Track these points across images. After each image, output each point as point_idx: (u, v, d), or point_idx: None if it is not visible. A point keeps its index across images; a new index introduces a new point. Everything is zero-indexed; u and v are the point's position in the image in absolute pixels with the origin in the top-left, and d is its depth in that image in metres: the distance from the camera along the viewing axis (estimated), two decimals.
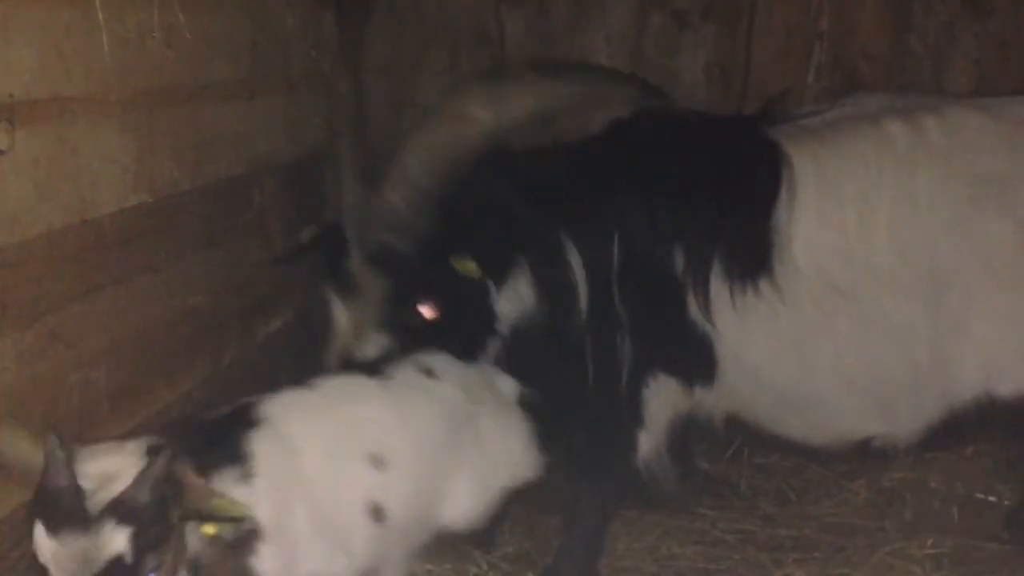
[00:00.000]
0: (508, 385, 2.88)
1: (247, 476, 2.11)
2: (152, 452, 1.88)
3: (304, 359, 3.50)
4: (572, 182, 2.95)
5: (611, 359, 2.90)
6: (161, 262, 2.77)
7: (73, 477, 1.76)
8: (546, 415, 2.92)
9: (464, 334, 2.90)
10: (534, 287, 2.93)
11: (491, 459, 2.68)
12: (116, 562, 1.75)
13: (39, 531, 1.77)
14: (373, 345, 2.84)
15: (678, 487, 3.15)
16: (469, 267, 2.82)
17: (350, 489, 2.35)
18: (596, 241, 2.89)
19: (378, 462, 2.39)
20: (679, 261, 2.84)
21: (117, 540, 1.75)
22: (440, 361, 2.72)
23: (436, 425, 2.58)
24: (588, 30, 4.27)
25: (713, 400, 2.96)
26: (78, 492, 1.76)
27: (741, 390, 2.92)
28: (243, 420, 2.23)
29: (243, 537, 2.05)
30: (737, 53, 4.13)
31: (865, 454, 3.04)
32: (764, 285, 2.77)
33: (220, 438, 2.15)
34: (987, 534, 3.37)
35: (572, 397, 2.95)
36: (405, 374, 2.64)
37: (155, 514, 1.80)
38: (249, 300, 3.35)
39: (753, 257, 2.78)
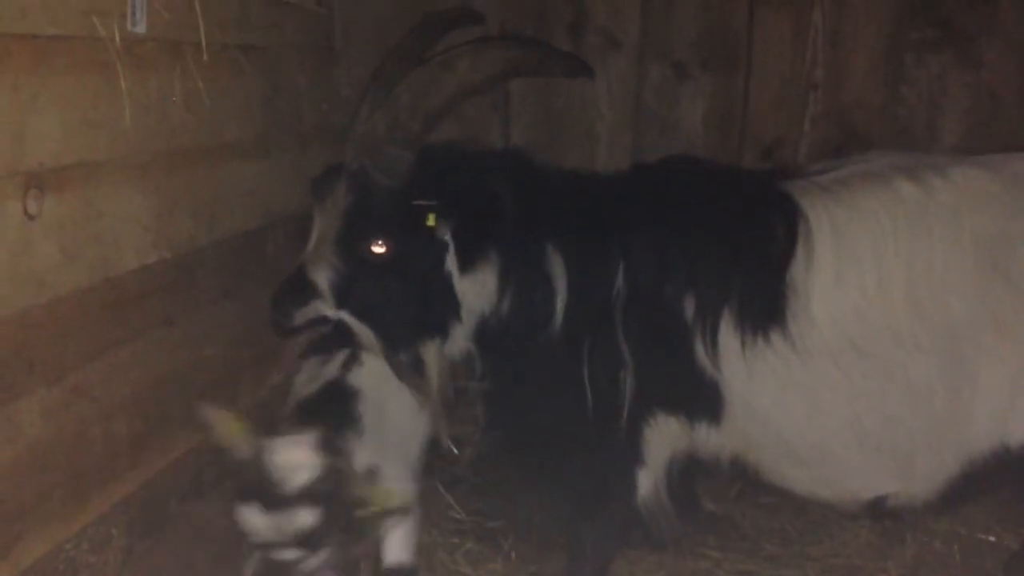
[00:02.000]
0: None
1: (360, 433, 2.76)
2: (322, 446, 2.46)
3: None
4: (577, 202, 3.03)
5: (611, 393, 2.92)
6: (179, 315, 2.86)
7: (274, 469, 2.38)
8: (534, 442, 3.05)
9: (419, 294, 2.94)
10: (500, 285, 2.95)
11: None
12: (309, 532, 2.36)
13: (247, 509, 2.38)
14: (326, 263, 2.93)
15: (677, 526, 3.17)
16: (429, 217, 2.86)
17: (419, 429, 3.08)
18: (593, 266, 2.93)
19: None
20: (689, 305, 2.87)
21: (309, 516, 2.36)
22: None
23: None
24: (590, 81, 4.37)
25: (721, 440, 2.98)
26: (276, 481, 2.36)
27: (752, 436, 2.94)
28: (342, 393, 2.92)
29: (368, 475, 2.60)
30: (735, 103, 4.23)
31: (878, 513, 3.04)
32: (776, 338, 2.81)
33: (333, 413, 2.77)
34: (987, 572, 3.42)
35: (554, 419, 2.99)
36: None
37: (334, 499, 2.40)
38: (262, 347, 3.43)
39: (767, 309, 2.82)
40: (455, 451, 4.27)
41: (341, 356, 3.12)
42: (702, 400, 2.92)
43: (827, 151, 4.07)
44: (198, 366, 3.00)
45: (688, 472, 3.23)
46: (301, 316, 3.00)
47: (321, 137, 3.79)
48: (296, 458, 2.42)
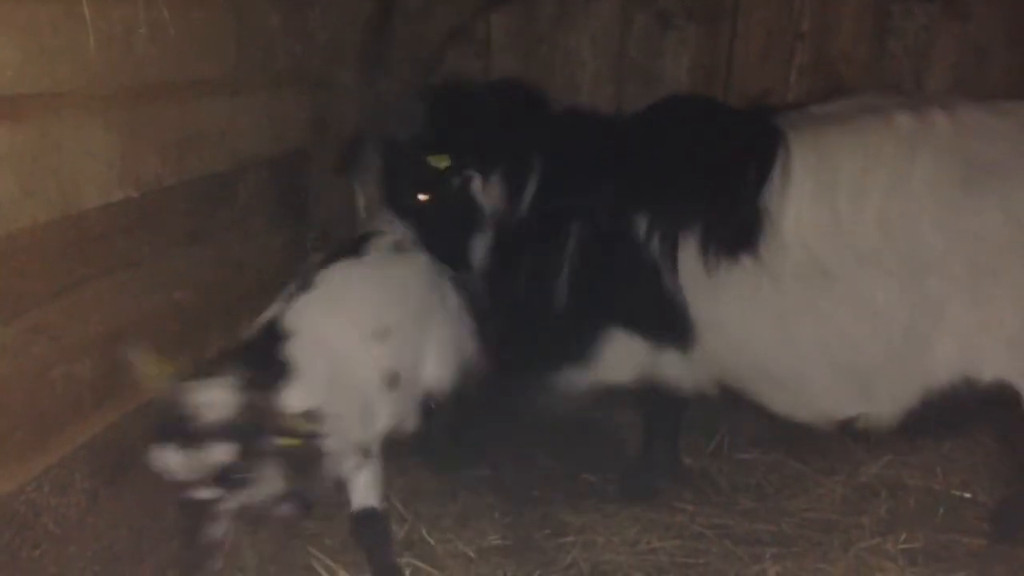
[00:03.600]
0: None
1: (294, 381, 2.60)
2: (240, 384, 2.45)
3: None
4: (568, 128, 3.35)
5: (548, 297, 3.19)
6: (145, 257, 2.78)
7: (187, 404, 2.37)
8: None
9: (453, 223, 3.39)
10: (503, 189, 3.31)
11: (450, 319, 3.30)
12: (225, 469, 2.38)
13: (160, 446, 2.38)
14: (382, 220, 3.42)
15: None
16: (441, 162, 3.27)
17: (371, 364, 2.90)
18: (562, 177, 3.23)
19: (383, 335, 2.95)
20: (643, 225, 3.02)
21: (224, 452, 2.36)
22: (399, 235, 3.33)
23: (417, 292, 3.21)
24: (573, 30, 4.30)
25: (699, 367, 3.07)
26: (191, 417, 2.36)
27: (727, 359, 3.01)
28: (275, 336, 2.74)
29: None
30: (720, 54, 4.18)
31: (850, 434, 3.17)
32: (747, 261, 2.85)
33: (263, 358, 2.64)
34: (963, 530, 3.43)
35: (514, 298, 3.33)
36: (379, 249, 3.20)
37: (252, 431, 2.40)
38: (233, 295, 3.36)
39: (736, 232, 2.86)
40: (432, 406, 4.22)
41: (292, 287, 3.02)
42: (667, 323, 3.01)
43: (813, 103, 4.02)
44: (166, 310, 2.92)
45: (673, 409, 3.49)
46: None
47: (295, 80, 3.69)
48: (211, 396, 2.41)
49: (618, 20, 4.26)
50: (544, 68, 4.36)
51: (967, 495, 3.67)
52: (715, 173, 2.97)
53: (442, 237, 3.39)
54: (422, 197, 3.34)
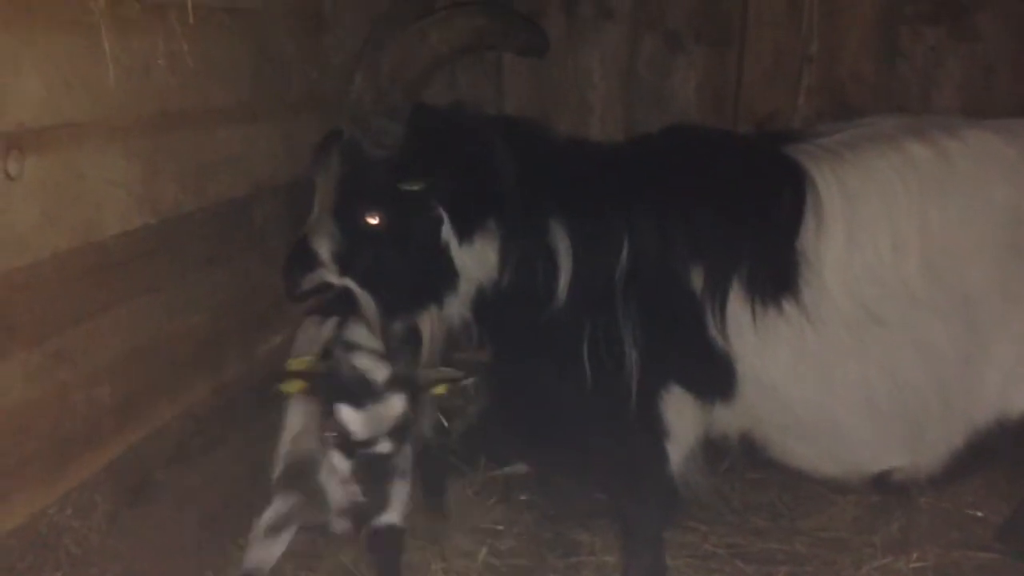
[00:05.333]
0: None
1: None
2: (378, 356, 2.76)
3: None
4: (580, 174, 2.96)
5: (617, 371, 2.85)
6: (164, 282, 2.84)
7: (358, 369, 2.65)
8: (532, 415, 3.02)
9: (415, 264, 2.93)
10: (501, 259, 2.90)
11: None
12: (402, 419, 2.66)
13: (346, 409, 2.61)
14: (326, 234, 2.98)
15: (710, 495, 3.28)
16: (414, 185, 2.83)
17: None
18: (598, 239, 2.85)
19: None
20: (696, 278, 2.81)
21: (399, 404, 2.66)
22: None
23: None
24: (583, 51, 4.35)
25: (731, 417, 2.93)
26: (361, 377, 2.64)
27: (760, 410, 2.88)
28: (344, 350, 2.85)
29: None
30: (728, 75, 4.21)
31: (884, 487, 3.00)
32: (789, 308, 2.74)
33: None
34: (974, 548, 3.43)
35: (557, 398, 2.94)
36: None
37: (412, 386, 2.72)
38: (249, 318, 3.41)
39: (777, 279, 2.76)
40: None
41: (334, 320, 3.12)
42: (715, 376, 2.85)
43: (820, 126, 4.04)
44: (183, 334, 2.97)
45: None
46: (308, 282, 3.06)
47: (310, 105, 3.74)
48: (369, 362, 2.69)
49: (627, 41, 4.30)
50: (554, 89, 4.41)
51: (979, 514, 3.67)
52: (752, 213, 2.85)
53: (395, 275, 2.97)
54: (372, 220, 2.90)
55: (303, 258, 3.03)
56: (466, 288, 2.97)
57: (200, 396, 3.08)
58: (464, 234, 2.91)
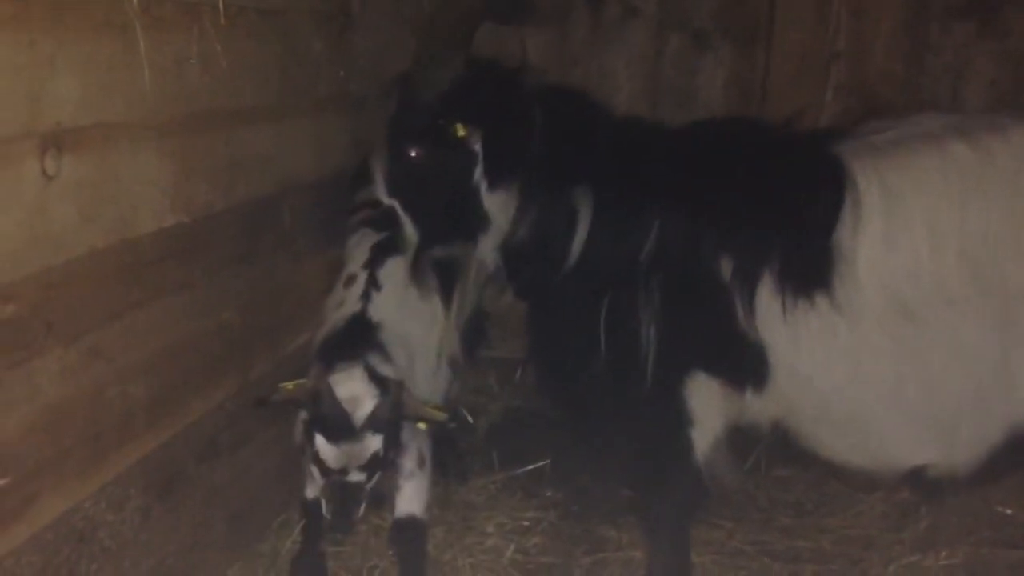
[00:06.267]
0: None
1: (388, 361, 2.95)
2: (374, 379, 2.75)
3: None
4: (619, 150, 3.00)
5: (630, 345, 2.89)
6: (196, 279, 2.87)
7: (340, 404, 2.63)
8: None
9: (451, 200, 3.07)
10: (519, 211, 2.99)
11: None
12: (375, 456, 2.67)
13: (321, 441, 2.66)
14: (380, 157, 3.20)
15: (738, 483, 3.25)
16: (459, 131, 2.97)
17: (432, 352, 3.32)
18: (626, 216, 2.90)
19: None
20: (725, 266, 2.82)
21: (375, 442, 2.67)
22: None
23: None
24: (607, 51, 4.34)
25: (763, 405, 2.93)
26: (345, 413, 2.64)
27: (793, 400, 2.89)
28: (367, 326, 3.09)
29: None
30: (755, 73, 4.19)
31: (917, 484, 2.99)
32: (821, 301, 2.75)
33: (359, 344, 2.95)
34: (1003, 546, 3.41)
35: (577, 362, 2.99)
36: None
37: (393, 423, 2.72)
38: (278, 315, 3.44)
39: (810, 272, 2.76)
40: (470, 420, 4.29)
41: (359, 287, 3.26)
42: (746, 364, 2.86)
43: (849, 122, 4.01)
44: (214, 331, 3.01)
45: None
46: (363, 194, 3.51)
47: (338, 104, 3.78)
48: (356, 391, 2.70)
49: (653, 40, 4.30)
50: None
51: (1008, 511, 3.65)
52: (789, 206, 2.85)
53: (430, 203, 3.13)
54: (413, 152, 3.09)
55: (362, 173, 3.40)
56: (495, 233, 3.09)
57: (230, 393, 3.12)
58: (492, 181, 3.02)
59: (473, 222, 3.08)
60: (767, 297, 2.80)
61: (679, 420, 2.93)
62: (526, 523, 3.62)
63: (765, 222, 2.84)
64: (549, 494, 3.82)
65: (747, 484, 3.90)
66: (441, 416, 2.85)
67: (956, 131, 2.81)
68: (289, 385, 2.78)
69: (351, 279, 3.32)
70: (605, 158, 2.99)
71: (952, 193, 2.73)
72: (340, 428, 2.65)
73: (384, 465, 2.75)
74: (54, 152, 2.21)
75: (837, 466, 3.08)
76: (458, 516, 3.62)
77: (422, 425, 2.88)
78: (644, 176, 2.94)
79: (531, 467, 3.94)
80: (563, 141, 2.97)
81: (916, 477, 2.91)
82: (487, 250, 3.13)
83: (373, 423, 2.67)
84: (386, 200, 3.22)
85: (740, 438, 3.10)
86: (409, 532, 3.01)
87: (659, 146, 3.07)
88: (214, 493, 3.05)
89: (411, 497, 3.02)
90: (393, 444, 2.76)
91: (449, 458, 3.83)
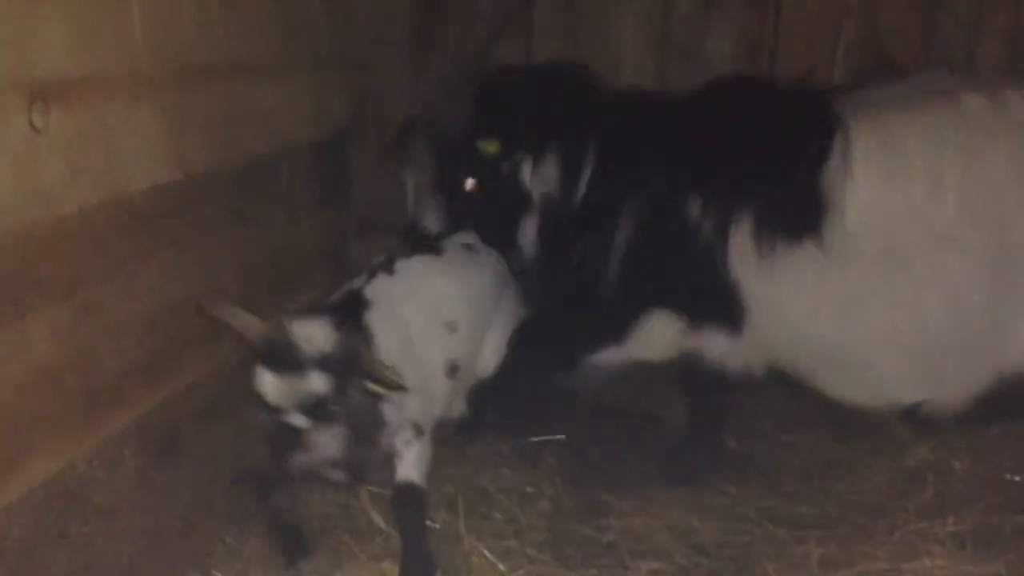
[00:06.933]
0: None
1: (368, 340, 2.78)
2: (337, 326, 2.58)
3: None
4: (614, 109, 3.35)
5: (601, 278, 3.18)
6: (191, 238, 2.83)
7: (290, 335, 2.50)
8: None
9: (501, 208, 3.45)
10: (559, 171, 3.30)
11: (507, 315, 3.53)
12: (319, 398, 2.48)
13: (263, 371, 2.50)
14: (430, 209, 3.54)
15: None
16: (491, 147, 3.32)
17: (437, 351, 3.14)
18: (617, 162, 3.19)
19: (451, 328, 3.21)
20: (694, 206, 2.98)
21: (320, 383, 2.49)
22: (469, 238, 3.54)
23: (485, 291, 3.43)
24: (615, 10, 4.26)
25: (749, 349, 3.03)
26: (293, 346, 2.48)
27: (780, 343, 2.96)
28: (357, 303, 2.97)
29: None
30: (765, 32, 4.10)
31: (913, 420, 3.10)
32: (808, 244, 2.80)
33: (346, 317, 2.74)
34: (1012, 513, 3.36)
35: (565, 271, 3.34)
36: (455, 249, 3.44)
37: (346, 370, 2.52)
38: (276, 275, 3.40)
39: (793, 216, 2.81)
40: None
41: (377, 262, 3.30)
42: (712, 303, 2.99)
43: (860, 81, 3.93)
44: (211, 290, 2.96)
45: (717, 390, 3.38)
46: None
47: (337, 63, 3.72)
48: (312, 330, 2.56)
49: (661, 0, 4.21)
50: (586, 48, 4.32)
51: (1016, 478, 3.59)
52: (770, 154, 2.93)
53: (491, 223, 3.49)
54: (470, 184, 3.41)
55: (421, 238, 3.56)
56: (535, 205, 3.41)
57: (229, 354, 3.08)
58: (536, 161, 3.37)
59: (521, 212, 3.44)
60: (741, 239, 2.88)
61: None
62: (530, 491, 3.59)
63: (747, 165, 2.95)
64: (553, 463, 3.78)
65: (752, 449, 3.86)
66: (396, 383, 2.58)
67: (971, 85, 2.78)
68: (242, 313, 2.65)
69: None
70: (609, 117, 3.31)
71: (959, 139, 2.70)
72: (284, 360, 2.50)
73: (330, 417, 2.56)
74: (41, 105, 2.16)
75: (846, 405, 3.14)
76: (463, 484, 3.58)
77: (375, 388, 2.62)
78: (641, 131, 3.20)
79: (544, 439, 3.88)
80: (578, 120, 3.32)
81: (911, 414, 3.01)
82: (529, 230, 3.43)
83: (322, 362, 2.50)
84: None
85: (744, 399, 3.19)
86: (408, 498, 2.99)
87: (662, 106, 3.31)
88: (212, 455, 3.02)
89: (410, 464, 2.99)
90: (342, 395, 2.55)
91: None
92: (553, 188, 3.35)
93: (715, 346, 3.10)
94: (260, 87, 3.17)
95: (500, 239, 3.53)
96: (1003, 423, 3.65)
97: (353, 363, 2.56)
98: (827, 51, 4.05)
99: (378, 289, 3.10)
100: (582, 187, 3.26)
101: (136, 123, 2.52)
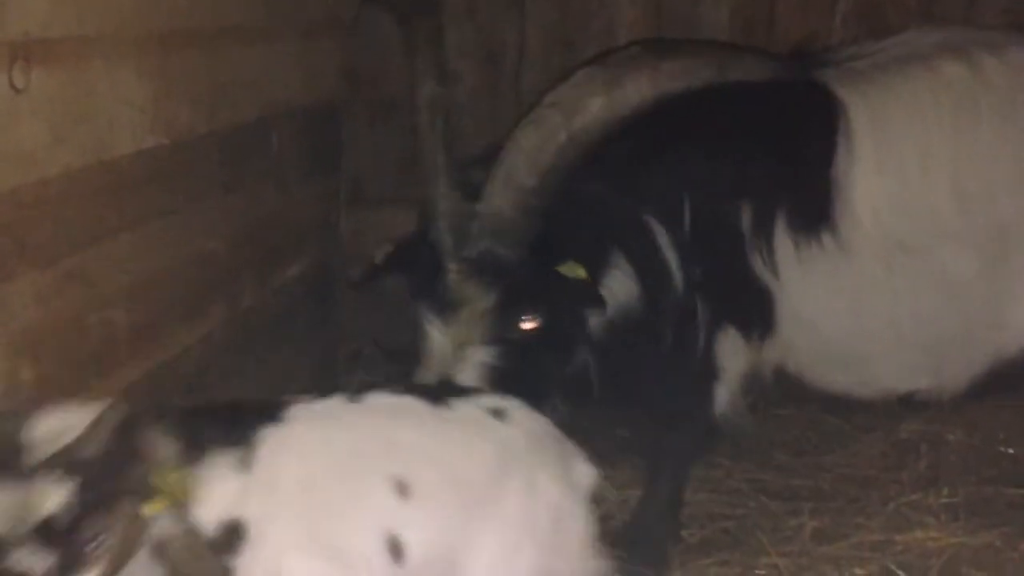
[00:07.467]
0: (585, 472, 2.33)
1: (244, 464, 1.86)
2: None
3: (320, 307, 3.53)
4: (640, 155, 2.79)
5: (691, 322, 2.82)
6: (178, 205, 2.77)
7: (11, 429, 1.65)
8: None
9: (560, 344, 2.76)
10: (634, 278, 2.78)
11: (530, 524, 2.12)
12: (54, 519, 1.55)
13: None
14: (473, 364, 2.65)
15: (752, 432, 3.21)
16: (579, 272, 2.64)
17: (366, 513, 1.99)
18: (672, 211, 2.77)
19: (403, 489, 2.00)
20: (745, 217, 2.76)
21: (54, 494, 1.55)
22: (517, 408, 2.24)
23: (484, 468, 2.10)
24: None
25: (767, 353, 2.92)
26: (15, 443, 1.62)
27: (795, 344, 2.87)
28: (266, 413, 1.99)
29: (225, 535, 1.82)
30: (761, 1, 4.05)
31: (907, 405, 3.13)
32: (827, 238, 2.71)
33: (232, 422, 1.91)
34: (1004, 485, 3.37)
35: (652, 367, 2.87)
36: (468, 409, 2.20)
37: (101, 473, 1.59)
38: (266, 246, 3.35)
39: (816, 209, 2.72)
40: None
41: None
42: (761, 312, 2.84)
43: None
44: (199, 260, 2.92)
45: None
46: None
47: (328, 28, 3.65)
48: (69, 421, 1.71)
49: None
50: (581, 15, 4.27)
51: (1009, 450, 3.62)
52: (788, 144, 2.79)
53: (541, 373, 2.75)
54: (530, 325, 2.67)
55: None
56: (591, 332, 2.82)
57: (216, 323, 3.04)
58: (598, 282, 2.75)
59: (579, 348, 2.81)
60: (782, 241, 2.77)
61: (708, 376, 2.89)
62: None
63: (771, 165, 2.79)
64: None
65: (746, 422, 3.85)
66: (179, 491, 1.71)
67: (947, 49, 2.71)
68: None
69: None
70: (643, 171, 2.80)
71: (944, 117, 2.68)
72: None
73: (83, 544, 1.59)
74: (22, 64, 2.08)
75: (840, 397, 3.10)
76: None
77: (149, 508, 1.68)
78: (669, 160, 2.78)
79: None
80: (618, 186, 2.77)
81: (907, 400, 3.00)
82: (581, 355, 2.83)
83: (58, 463, 1.58)
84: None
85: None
86: None
87: (669, 120, 2.75)
88: None
89: None
90: (103, 512, 1.60)
91: None
92: (636, 297, 2.81)
93: (763, 357, 2.92)
94: (248, 51, 3.10)
95: (551, 392, 2.79)
96: (996, 398, 3.64)
97: (123, 466, 1.65)
98: (824, 20, 4.01)
99: (312, 409, 2.08)
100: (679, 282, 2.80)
101: (121, 85, 2.45)
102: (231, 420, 1.91)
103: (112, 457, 1.60)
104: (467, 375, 2.63)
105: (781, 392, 3.27)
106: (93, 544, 1.59)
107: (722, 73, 2.69)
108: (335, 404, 2.10)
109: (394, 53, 4.17)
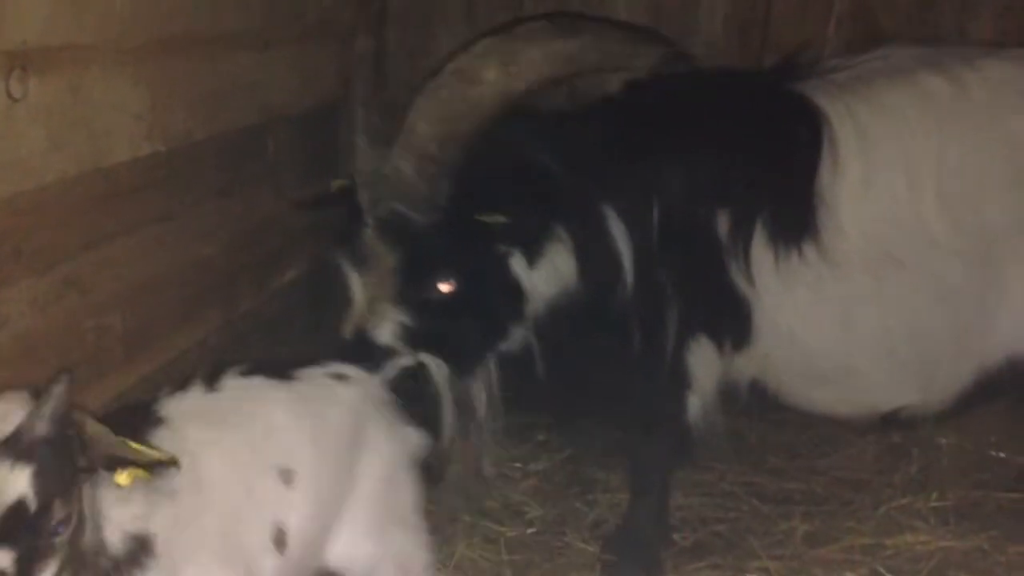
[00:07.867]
0: (413, 436, 2.40)
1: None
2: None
3: (317, 311, 3.54)
4: (607, 145, 2.76)
5: (657, 327, 2.78)
6: (175, 211, 2.79)
7: None
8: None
9: (487, 312, 2.75)
10: (576, 260, 2.75)
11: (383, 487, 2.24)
12: (18, 507, 1.47)
13: None
14: (389, 321, 2.68)
15: (723, 440, 3.10)
16: (498, 218, 2.61)
17: (258, 507, 1.99)
18: (636, 207, 2.73)
19: (288, 477, 2.03)
20: (722, 224, 2.73)
21: (17, 481, 1.48)
22: (355, 371, 2.33)
23: (344, 436, 2.18)
24: None
25: (743, 365, 2.87)
26: None
27: (774, 357, 2.83)
28: (142, 416, 1.93)
29: (132, 550, 1.74)
30: (757, 5, 4.06)
31: (891, 423, 2.99)
32: (809, 250, 2.68)
33: (123, 428, 1.72)
34: (995, 489, 3.39)
35: (615, 368, 2.84)
36: (314, 377, 2.25)
37: (59, 452, 1.52)
38: (262, 250, 3.37)
39: (797, 220, 2.69)
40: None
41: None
42: (736, 322, 2.80)
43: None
44: (195, 265, 2.94)
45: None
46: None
47: (324, 33, 3.67)
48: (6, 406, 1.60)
49: None
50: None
51: (1001, 455, 3.63)
52: (771, 153, 2.76)
53: (466, 339, 2.76)
54: (445, 287, 2.68)
55: (372, 356, 2.62)
56: (532, 310, 2.79)
57: (212, 328, 3.06)
58: (534, 255, 2.74)
59: (511, 317, 2.77)
60: (760, 250, 2.73)
61: (680, 385, 2.86)
62: (518, 465, 3.59)
63: (751, 174, 2.75)
64: (541, 439, 3.78)
65: (739, 426, 3.86)
66: (156, 456, 1.65)
67: (926, 64, 2.73)
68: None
69: None
70: (603, 157, 2.76)
71: (927, 129, 2.67)
72: None
73: (50, 533, 1.52)
74: (20, 73, 2.10)
75: (820, 416, 3.07)
76: None
77: (123, 478, 1.61)
78: (637, 163, 2.75)
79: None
80: (572, 168, 2.70)
81: (891, 418, 2.91)
82: (519, 335, 2.80)
83: (13, 448, 1.50)
84: (411, 361, 2.69)
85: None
86: None
87: (638, 113, 2.83)
88: None
89: None
90: (65, 495, 1.54)
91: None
92: (578, 281, 2.77)
93: (731, 364, 2.88)
94: (245, 58, 3.12)
95: (472, 364, 2.81)
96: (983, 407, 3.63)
97: (73, 443, 1.58)
98: (819, 25, 4.01)
99: (181, 406, 2.01)
100: (630, 279, 2.73)
101: (117, 93, 2.47)
102: (122, 428, 1.73)
103: (62, 434, 1.54)
104: (381, 331, 2.66)
105: (763, 406, 3.30)
106: (59, 532, 1.54)
107: (627, 61, 2.75)
108: (200, 397, 2.06)
109: (393, 57, 4.22)
